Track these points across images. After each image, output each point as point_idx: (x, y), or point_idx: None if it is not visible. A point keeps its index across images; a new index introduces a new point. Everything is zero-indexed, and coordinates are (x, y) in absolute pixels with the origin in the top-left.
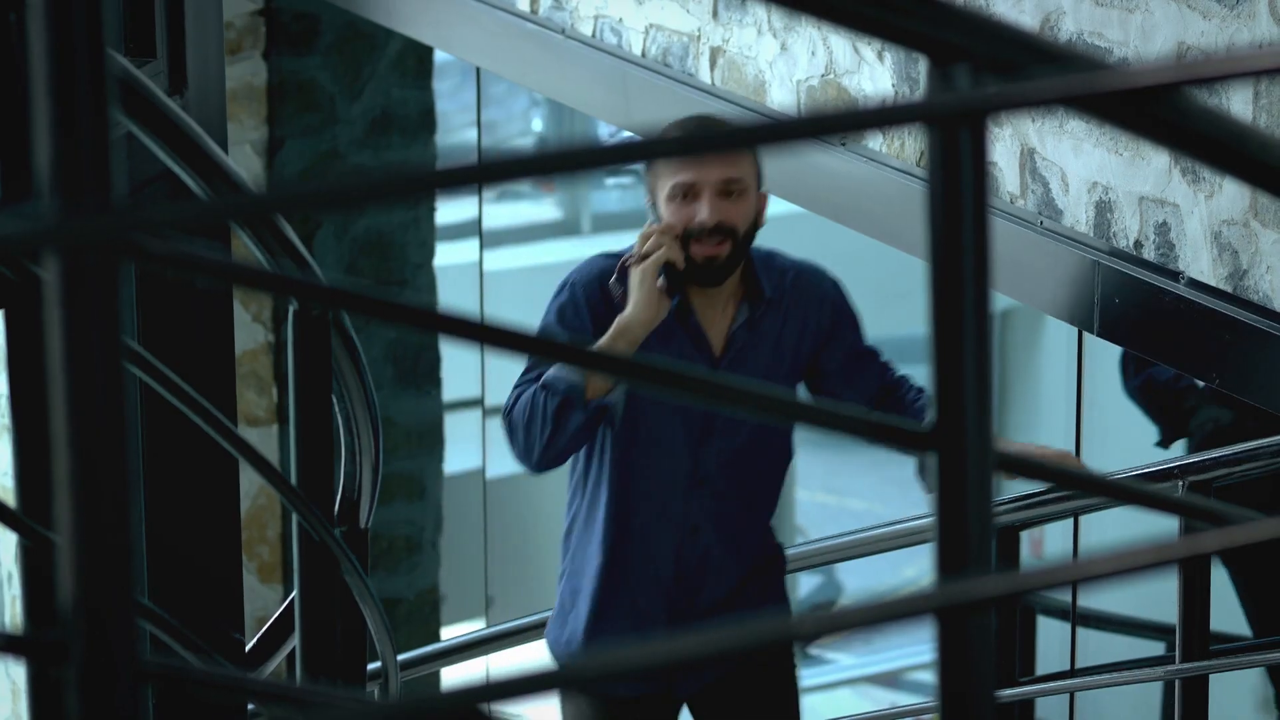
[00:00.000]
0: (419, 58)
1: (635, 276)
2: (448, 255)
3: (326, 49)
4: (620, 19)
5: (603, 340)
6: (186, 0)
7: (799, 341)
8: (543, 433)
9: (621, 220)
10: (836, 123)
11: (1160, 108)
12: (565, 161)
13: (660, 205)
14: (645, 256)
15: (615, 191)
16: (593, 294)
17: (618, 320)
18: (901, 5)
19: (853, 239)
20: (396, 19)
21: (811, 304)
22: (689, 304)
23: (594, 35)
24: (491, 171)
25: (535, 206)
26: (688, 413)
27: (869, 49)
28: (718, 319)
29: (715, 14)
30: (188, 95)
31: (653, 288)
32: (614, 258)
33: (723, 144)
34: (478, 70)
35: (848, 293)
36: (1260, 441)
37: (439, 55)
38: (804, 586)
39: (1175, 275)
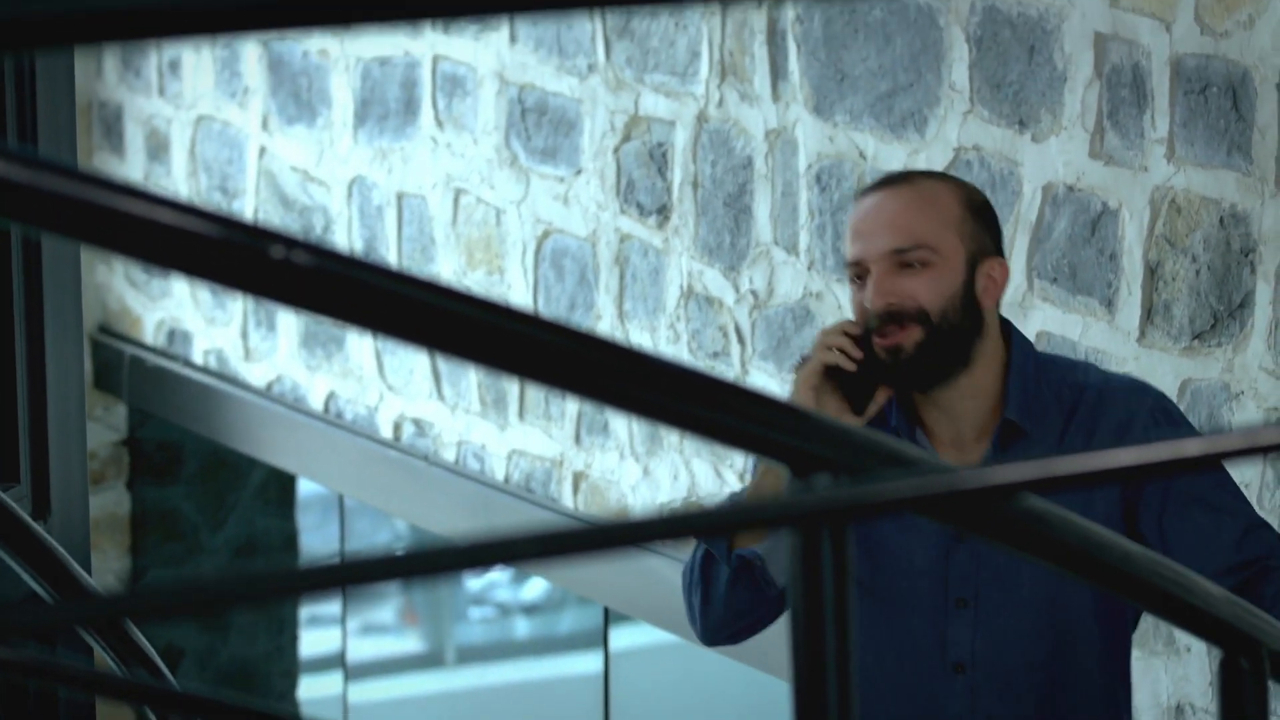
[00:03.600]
0: (282, 486)
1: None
2: (312, 688)
3: (190, 478)
4: (483, 445)
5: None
6: (50, 427)
7: (1090, 491)
8: (695, 593)
9: (487, 651)
10: (698, 523)
11: (1015, 510)
12: (425, 564)
13: None
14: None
15: (480, 625)
16: None
17: None
18: (762, 417)
19: (718, 663)
20: (260, 447)
21: (1109, 443)
22: (916, 420)
23: (457, 462)
24: (352, 573)
25: (398, 639)
26: (934, 571)
27: (730, 470)
28: (965, 445)
29: (578, 439)
30: (51, 522)
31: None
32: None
33: (575, 548)
34: (340, 499)
35: (1182, 423)
36: None
37: (302, 484)
38: None
39: None
